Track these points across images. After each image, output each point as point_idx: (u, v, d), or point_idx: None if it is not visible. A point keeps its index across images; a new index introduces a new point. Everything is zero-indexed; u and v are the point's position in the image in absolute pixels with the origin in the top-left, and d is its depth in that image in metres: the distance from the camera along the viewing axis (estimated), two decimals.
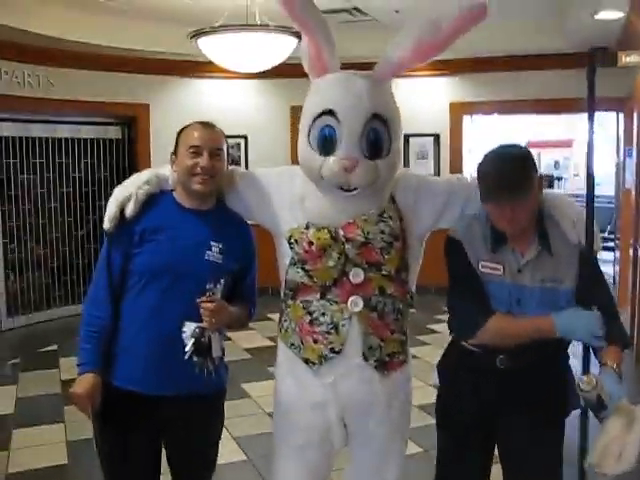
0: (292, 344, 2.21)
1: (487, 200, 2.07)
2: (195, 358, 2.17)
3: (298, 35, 5.13)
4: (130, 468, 2.22)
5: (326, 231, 2.09)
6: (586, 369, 2.07)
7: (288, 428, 2.26)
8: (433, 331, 6.37)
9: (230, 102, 7.78)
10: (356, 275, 2.11)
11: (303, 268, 2.12)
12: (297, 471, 2.26)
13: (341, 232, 2.09)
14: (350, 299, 2.12)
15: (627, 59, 4.18)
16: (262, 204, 2.26)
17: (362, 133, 2.05)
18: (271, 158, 7.13)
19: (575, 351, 2.19)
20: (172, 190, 2.26)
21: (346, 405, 2.18)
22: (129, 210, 2.17)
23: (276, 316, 2.30)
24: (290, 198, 2.21)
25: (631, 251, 6.01)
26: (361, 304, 2.12)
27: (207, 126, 2.23)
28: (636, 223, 5.61)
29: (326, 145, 2.07)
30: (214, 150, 2.19)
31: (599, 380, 1.94)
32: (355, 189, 2.08)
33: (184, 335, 2.15)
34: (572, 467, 2.13)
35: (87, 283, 7.51)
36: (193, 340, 2.15)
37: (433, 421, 2.37)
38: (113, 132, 7.63)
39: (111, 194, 2.23)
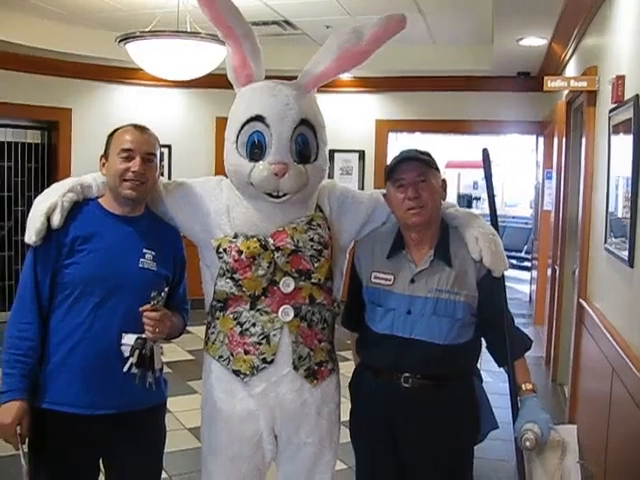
0: (220, 356, 2.17)
1: (392, 174, 2.11)
2: (135, 370, 2.04)
3: None
4: None
5: (255, 239, 2.08)
6: (515, 413, 2.11)
7: (218, 441, 2.21)
8: None
9: (155, 110, 7.60)
10: (286, 284, 2.11)
11: (232, 278, 2.09)
12: None
13: (270, 240, 2.09)
14: (281, 309, 2.11)
15: (552, 84, 4.31)
16: (187, 214, 2.22)
17: (291, 138, 2.07)
18: (195, 169, 6.98)
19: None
20: (97, 198, 2.16)
21: (276, 414, 2.16)
22: (56, 220, 2.04)
23: (196, 329, 2.23)
24: (215, 208, 2.19)
25: (549, 271, 6.19)
26: (292, 314, 2.12)
27: (141, 129, 2.15)
28: (555, 244, 5.78)
29: (255, 151, 2.08)
30: (147, 155, 2.11)
31: (537, 434, 2.00)
32: (284, 195, 2.08)
33: (123, 347, 2.03)
34: None
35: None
36: (137, 352, 2.02)
37: None
38: (32, 136, 7.31)
39: (28, 199, 2.11)
